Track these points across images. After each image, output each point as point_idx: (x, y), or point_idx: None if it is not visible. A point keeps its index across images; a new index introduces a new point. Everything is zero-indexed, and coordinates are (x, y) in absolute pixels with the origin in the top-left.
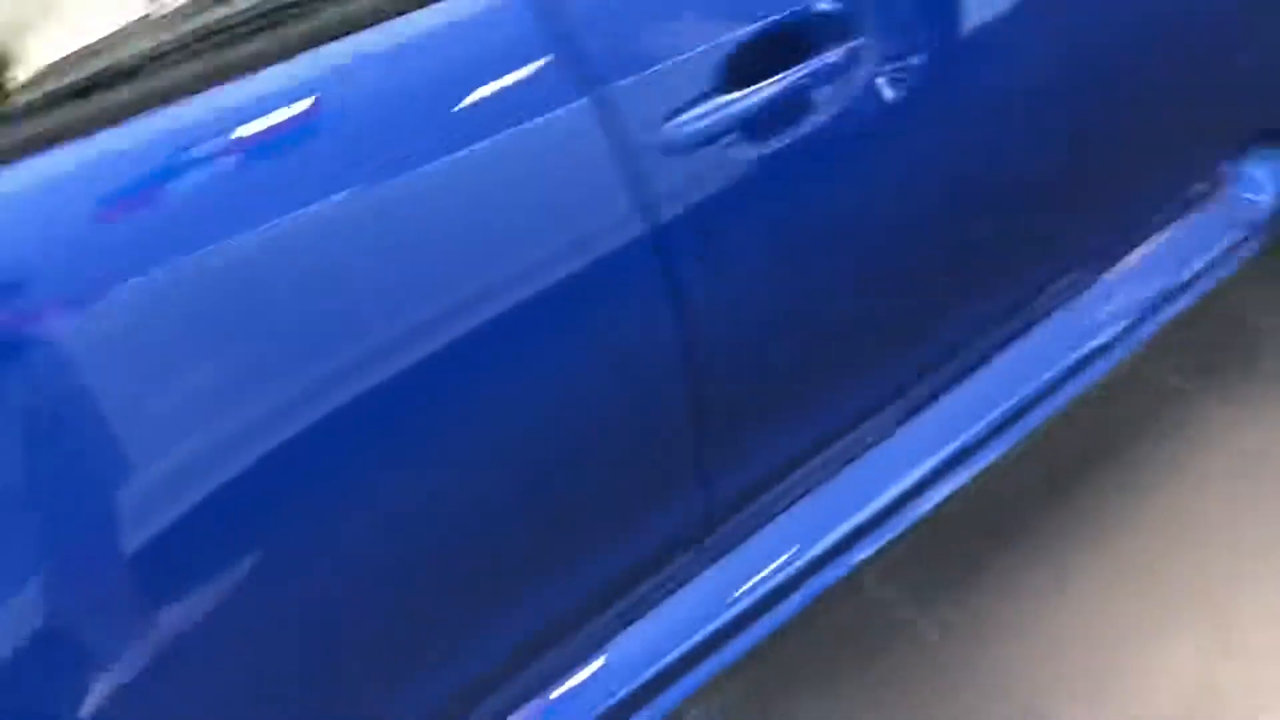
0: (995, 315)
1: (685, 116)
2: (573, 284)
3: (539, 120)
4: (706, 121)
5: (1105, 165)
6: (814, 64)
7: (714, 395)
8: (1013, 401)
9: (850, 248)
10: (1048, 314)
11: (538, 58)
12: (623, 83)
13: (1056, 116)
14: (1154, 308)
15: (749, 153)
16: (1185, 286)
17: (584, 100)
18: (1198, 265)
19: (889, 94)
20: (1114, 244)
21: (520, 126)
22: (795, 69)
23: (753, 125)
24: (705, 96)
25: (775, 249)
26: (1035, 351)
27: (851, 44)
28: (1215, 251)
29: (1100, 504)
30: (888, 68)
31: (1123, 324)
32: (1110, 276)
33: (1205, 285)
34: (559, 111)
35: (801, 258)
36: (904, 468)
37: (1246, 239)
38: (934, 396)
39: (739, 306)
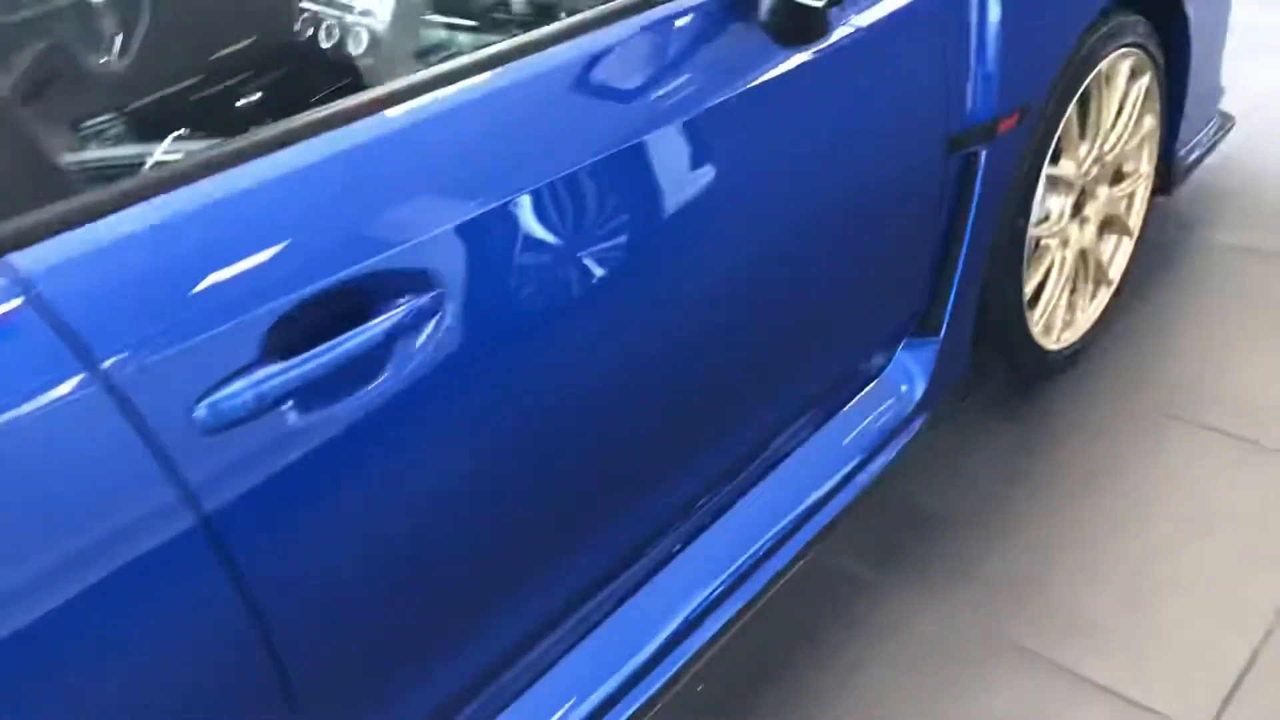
0: (653, 526)
1: (222, 393)
2: (122, 578)
3: (49, 412)
4: (248, 395)
5: (758, 368)
6: (373, 324)
7: (301, 668)
8: (697, 603)
9: (438, 497)
10: (719, 515)
11: (37, 350)
12: (137, 367)
13: (695, 333)
14: (825, 497)
15: (306, 419)
16: (853, 475)
17: (95, 388)
18: (861, 454)
19: (456, 347)
20: (779, 441)
21: (31, 421)
22: (351, 332)
23: (311, 390)
24: (244, 371)
25: (340, 511)
26: (714, 550)
27: (419, 299)
28: (876, 439)
29: (802, 692)
30: (457, 323)
31: (796, 515)
32: (779, 472)
33: (872, 472)
34: (67, 402)
35: (377, 516)
36: (583, 689)
37: (904, 426)
38: (605, 612)
39: (312, 577)
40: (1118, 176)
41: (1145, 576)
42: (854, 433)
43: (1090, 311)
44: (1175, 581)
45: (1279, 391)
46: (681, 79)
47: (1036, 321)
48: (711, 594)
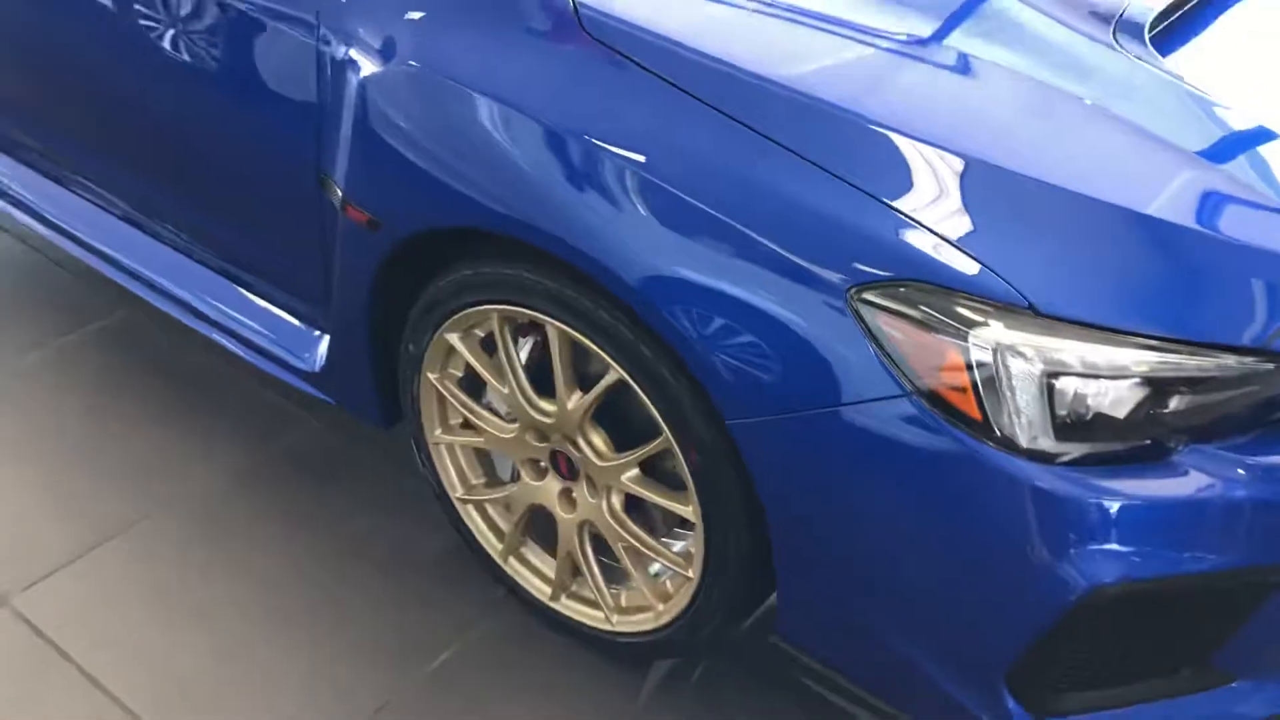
0: (146, 210)
1: None
2: None
3: None
4: None
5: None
6: None
7: None
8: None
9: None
10: (167, 244)
11: None
12: None
13: None
14: (206, 318)
15: None
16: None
17: None
18: (249, 327)
19: None
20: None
21: None
22: None
23: None
24: None
25: None
26: (157, 254)
27: None
28: (264, 339)
29: None
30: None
31: (193, 300)
32: (197, 270)
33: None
34: None
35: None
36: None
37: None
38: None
39: None
40: None
41: None
42: (238, 303)
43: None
44: None
45: None
46: None
47: None
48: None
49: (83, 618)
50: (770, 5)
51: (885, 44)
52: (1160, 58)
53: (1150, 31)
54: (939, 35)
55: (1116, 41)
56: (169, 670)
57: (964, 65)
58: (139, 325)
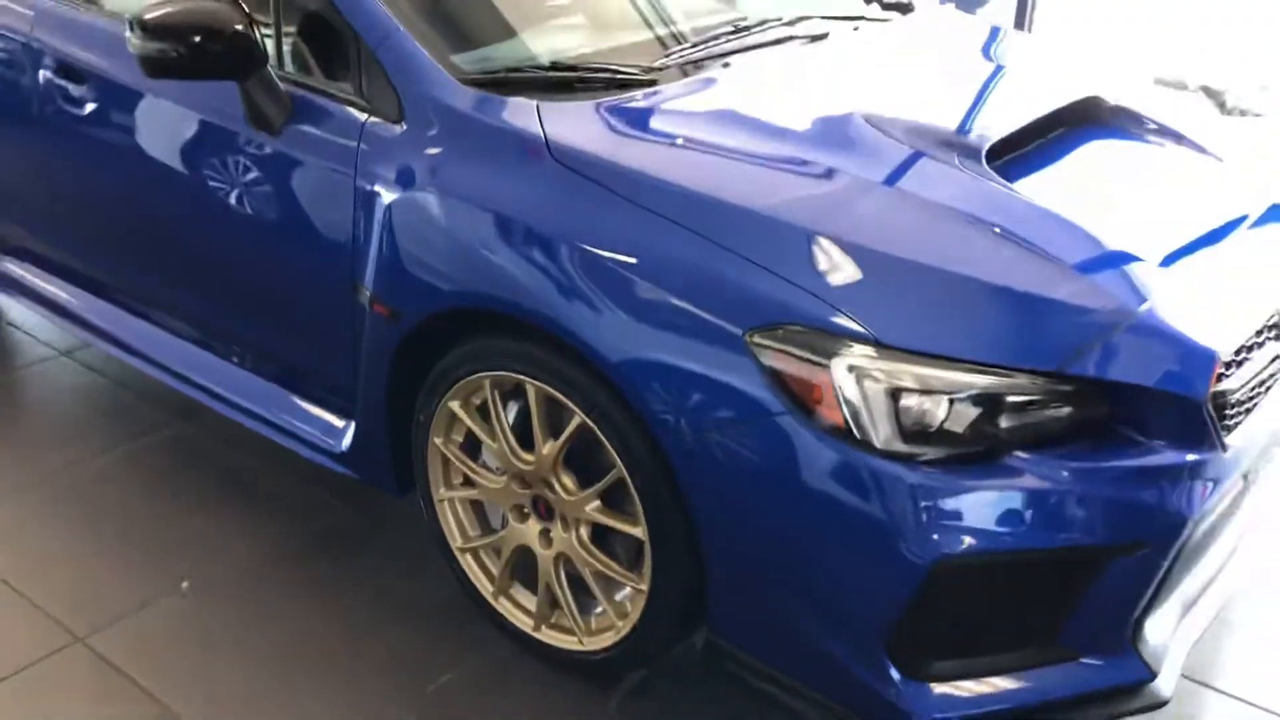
0: (178, 312)
1: None
2: None
3: None
4: None
5: (228, 281)
6: None
7: None
8: (176, 362)
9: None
10: (203, 346)
11: None
12: None
13: None
14: (231, 402)
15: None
16: (256, 416)
17: None
18: (273, 413)
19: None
20: (239, 355)
21: None
22: None
23: None
24: None
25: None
26: (200, 359)
27: None
28: (289, 420)
29: None
30: None
31: (221, 391)
32: (233, 371)
33: (267, 430)
34: None
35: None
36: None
37: (322, 449)
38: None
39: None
40: None
41: None
42: (282, 402)
43: None
44: None
45: None
46: None
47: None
48: (178, 368)
49: (148, 655)
50: (700, 144)
51: (792, 168)
52: (1006, 180)
53: (990, 160)
54: (821, 158)
55: (963, 165)
56: (227, 694)
57: (846, 179)
58: (193, 434)
